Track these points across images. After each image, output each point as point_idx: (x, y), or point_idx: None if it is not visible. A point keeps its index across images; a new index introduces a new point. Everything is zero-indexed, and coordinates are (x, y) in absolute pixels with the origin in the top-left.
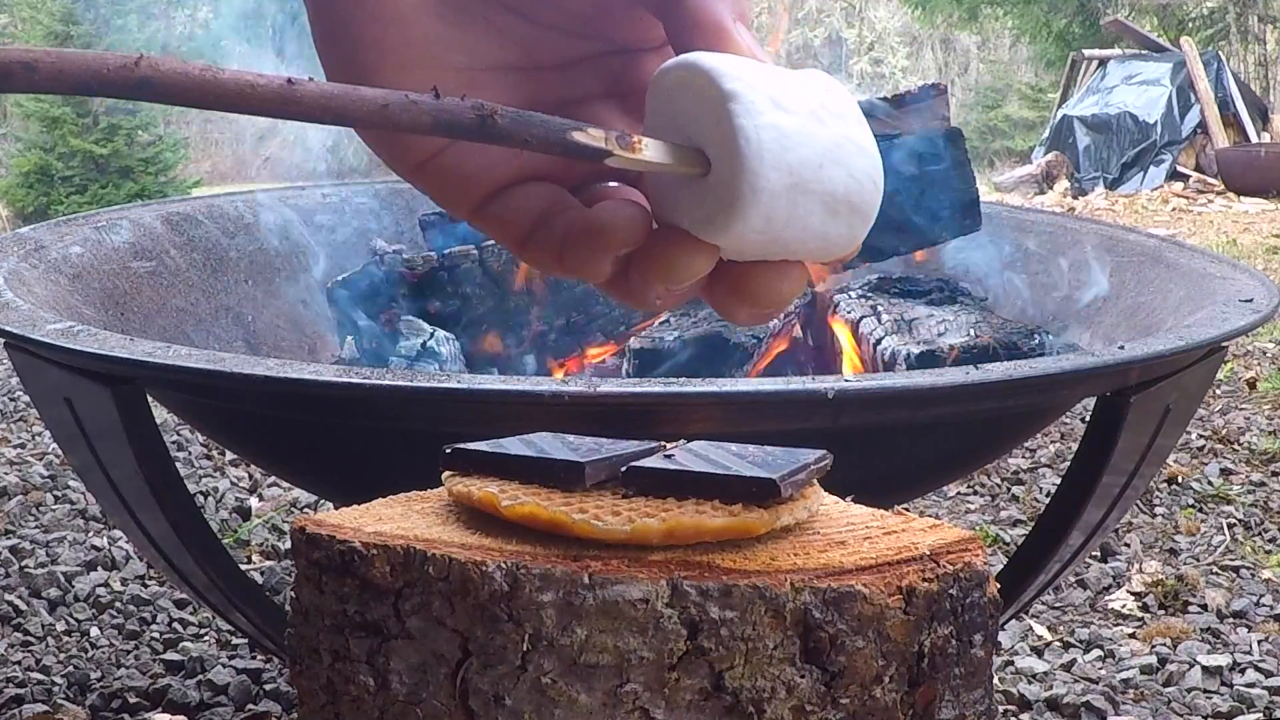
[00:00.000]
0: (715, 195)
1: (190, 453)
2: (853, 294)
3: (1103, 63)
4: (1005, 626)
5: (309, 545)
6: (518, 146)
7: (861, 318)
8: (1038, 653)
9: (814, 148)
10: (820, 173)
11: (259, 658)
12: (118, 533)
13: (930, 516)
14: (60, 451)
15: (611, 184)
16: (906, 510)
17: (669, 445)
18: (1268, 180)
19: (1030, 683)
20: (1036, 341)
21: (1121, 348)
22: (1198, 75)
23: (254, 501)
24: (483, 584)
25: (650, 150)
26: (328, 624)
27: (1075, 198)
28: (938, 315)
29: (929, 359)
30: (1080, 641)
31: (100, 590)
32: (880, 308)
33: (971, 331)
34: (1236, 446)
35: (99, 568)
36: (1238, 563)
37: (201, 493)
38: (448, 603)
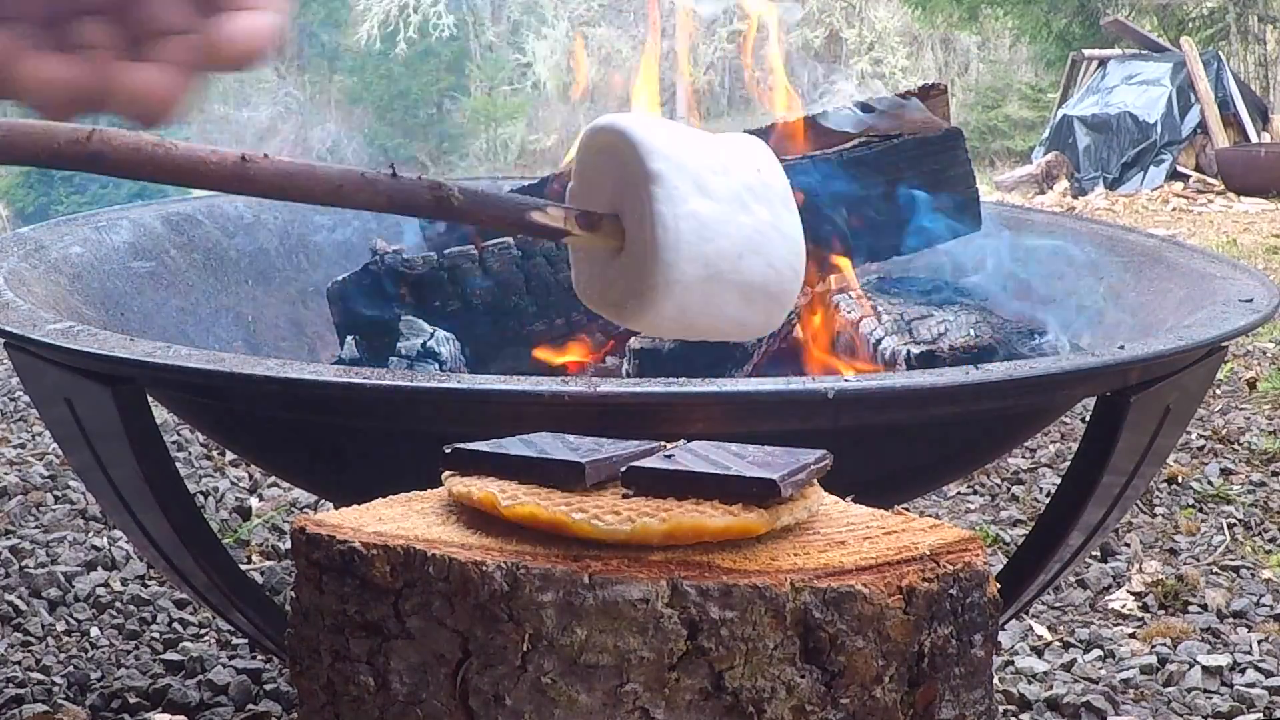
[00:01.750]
0: (631, 280)
1: (190, 453)
2: (852, 294)
3: (1103, 63)
4: (1005, 626)
5: (309, 545)
6: (475, 224)
7: (861, 318)
8: (1038, 653)
9: (734, 238)
10: (739, 263)
11: (259, 658)
12: (118, 533)
13: (930, 516)
14: (60, 451)
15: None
16: (906, 510)
17: (669, 445)
18: (1268, 180)
19: (1030, 683)
20: (1036, 341)
21: (1122, 348)
22: (1198, 75)
23: (254, 501)
24: (483, 584)
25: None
26: (328, 624)
27: (1075, 198)
28: (938, 315)
29: (929, 359)
30: (1080, 641)
31: (100, 590)
32: (880, 308)
33: (971, 331)
34: (1236, 446)
35: (99, 568)
36: (1238, 563)
37: (201, 493)
38: (448, 603)
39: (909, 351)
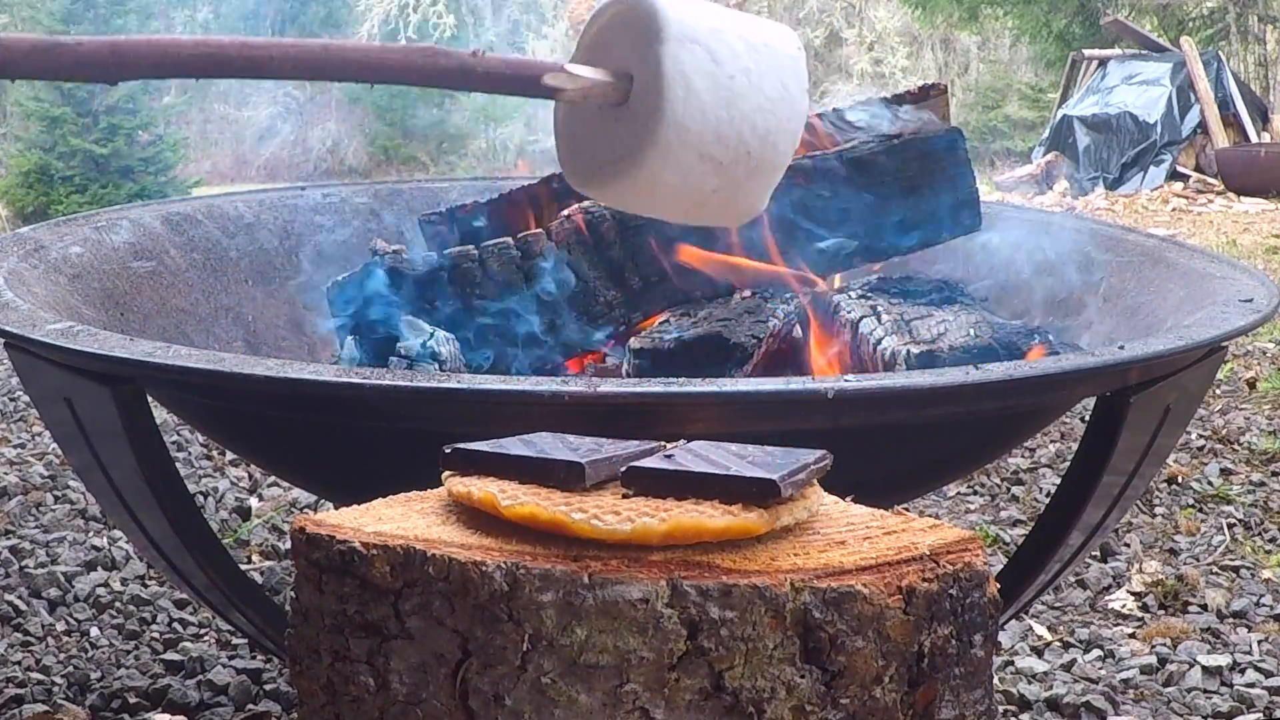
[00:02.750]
0: (630, 136)
1: (190, 453)
2: (853, 294)
3: (1103, 63)
4: (1005, 626)
5: (309, 545)
6: (490, 89)
7: (861, 318)
8: (1038, 653)
9: (737, 105)
10: (737, 128)
11: (259, 658)
12: (118, 533)
13: (930, 517)
14: (60, 451)
15: None
16: (906, 510)
17: (669, 445)
18: (1267, 180)
19: (1030, 683)
20: (1037, 341)
21: (1121, 348)
22: (1198, 75)
23: (254, 501)
24: (483, 584)
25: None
26: (328, 624)
27: (1075, 198)
28: (938, 315)
29: (929, 359)
30: (1080, 641)
31: (100, 590)
32: (880, 308)
33: (971, 331)
34: (1236, 446)
35: (99, 568)
36: (1238, 563)
37: (201, 493)
38: (448, 603)
39: (909, 351)
